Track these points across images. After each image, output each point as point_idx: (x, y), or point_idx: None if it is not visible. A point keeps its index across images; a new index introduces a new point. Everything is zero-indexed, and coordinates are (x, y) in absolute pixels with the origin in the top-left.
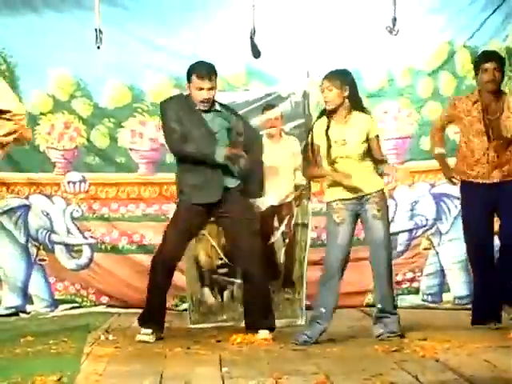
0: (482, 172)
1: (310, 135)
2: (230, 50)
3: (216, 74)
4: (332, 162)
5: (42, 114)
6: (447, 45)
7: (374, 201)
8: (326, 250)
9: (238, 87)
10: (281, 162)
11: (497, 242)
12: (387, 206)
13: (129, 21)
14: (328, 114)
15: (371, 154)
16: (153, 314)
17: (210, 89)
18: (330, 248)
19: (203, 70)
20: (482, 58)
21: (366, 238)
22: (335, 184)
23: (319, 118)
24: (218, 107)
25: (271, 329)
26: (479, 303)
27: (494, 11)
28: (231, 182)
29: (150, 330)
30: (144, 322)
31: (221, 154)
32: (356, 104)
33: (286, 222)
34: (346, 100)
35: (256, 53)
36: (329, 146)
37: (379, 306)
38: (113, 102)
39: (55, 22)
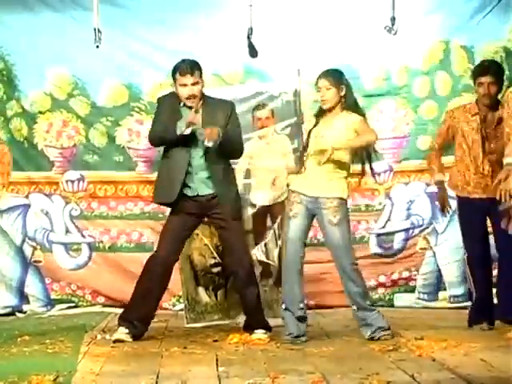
0: (478, 186)
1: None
2: (227, 50)
3: (200, 70)
4: (307, 156)
5: (40, 112)
6: (443, 44)
7: (330, 206)
8: (283, 245)
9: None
10: (272, 162)
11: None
12: (347, 214)
13: (127, 20)
14: (320, 112)
15: (346, 162)
16: (132, 313)
17: (194, 84)
18: (284, 242)
19: (185, 67)
20: (478, 71)
21: (325, 242)
22: (301, 176)
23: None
24: (206, 103)
25: (268, 328)
26: (477, 307)
27: (491, 11)
28: (212, 189)
29: (126, 330)
30: (122, 319)
31: (181, 125)
32: (350, 104)
33: (278, 221)
34: (342, 99)
35: (253, 52)
36: (307, 141)
37: (353, 307)
38: (110, 100)
39: (53, 21)
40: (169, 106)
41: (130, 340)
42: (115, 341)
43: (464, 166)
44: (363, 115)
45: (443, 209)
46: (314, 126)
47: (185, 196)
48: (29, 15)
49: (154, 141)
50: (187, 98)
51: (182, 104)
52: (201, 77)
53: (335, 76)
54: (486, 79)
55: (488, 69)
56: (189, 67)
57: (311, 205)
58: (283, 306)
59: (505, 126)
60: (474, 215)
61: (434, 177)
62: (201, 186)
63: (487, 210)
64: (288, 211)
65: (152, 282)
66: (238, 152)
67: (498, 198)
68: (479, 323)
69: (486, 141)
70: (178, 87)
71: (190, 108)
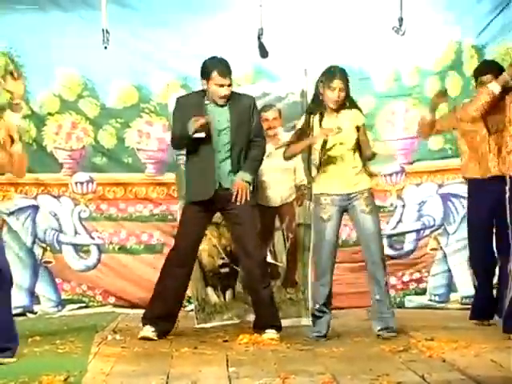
0: (488, 166)
1: (306, 121)
2: (238, 51)
3: (232, 73)
4: (328, 150)
5: (49, 114)
6: (455, 44)
7: (362, 197)
8: (315, 248)
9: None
10: (280, 163)
11: None
12: (375, 203)
13: (136, 21)
14: (317, 104)
15: (360, 154)
16: (154, 311)
17: (229, 85)
18: (320, 246)
19: (225, 68)
20: (480, 70)
21: (357, 233)
22: (325, 176)
23: (311, 107)
24: (228, 103)
25: (278, 328)
26: (479, 301)
27: (502, 11)
28: (229, 182)
29: (152, 328)
30: (145, 318)
31: (190, 125)
32: (351, 101)
33: (287, 222)
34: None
35: (263, 53)
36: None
37: (376, 296)
38: (120, 102)
39: (62, 21)
40: (192, 105)
41: (156, 338)
42: (142, 338)
43: (473, 155)
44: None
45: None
46: (321, 119)
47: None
48: (38, 15)
49: (174, 142)
50: (221, 98)
51: (208, 102)
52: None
53: (346, 76)
54: (487, 78)
55: (490, 68)
56: (228, 70)
57: (342, 202)
58: (316, 306)
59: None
60: (482, 202)
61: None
62: (223, 178)
63: (495, 202)
64: (320, 214)
65: (170, 280)
66: (263, 150)
67: None
68: (480, 320)
69: (489, 124)
70: (214, 86)
71: (218, 105)
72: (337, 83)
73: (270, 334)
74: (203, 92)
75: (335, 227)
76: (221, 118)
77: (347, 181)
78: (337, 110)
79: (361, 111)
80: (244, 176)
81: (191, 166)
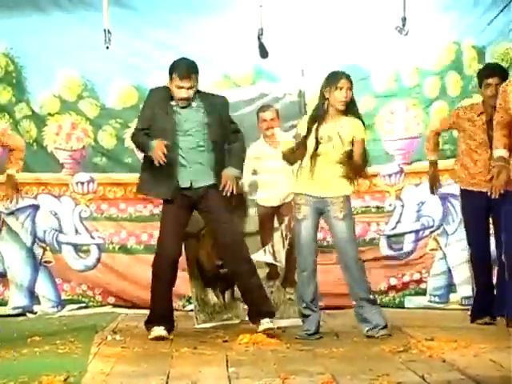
0: (483, 181)
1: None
2: (237, 51)
3: (197, 72)
4: (315, 156)
5: (49, 114)
6: (455, 45)
7: (337, 202)
8: (295, 247)
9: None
10: (279, 163)
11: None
12: (350, 209)
13: (136, 21)
14: (320, 112)
15: (350, 160)
16: (157, 313)
17: (190, 88)
18: (297, 245)
19: (183, 70)
20: (484, 73)
21: (332, 238)
22: (304, 177)
23: (313, 114)
24: (196, 104)
25: (271, 314)
26: (479, 302)
27: (502, 11)
28: (206, 180)
29: (162, 327)
30: (151, 322)
31: (151, 147)
32: (355, 109)
33: (286, 222)
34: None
35: (264, 53)
36: (317, 141)
37: (353, 302)
38: (120, 102)
39: (63, 22)
40: (159, 100)
41: (169, 336)
42: (154, 338)
43: (468, 161)
44: (360, 117)
45: (432, 188)
46: (319, 124)
47: (179, 189)
48: (39, 16)
49: (133, 139)
50: (179, 99)
51: (174, 102)
52: (197, 79)
53: (351, 78)
54: (493, 80)
55: (496, 70)
56: (188, 72)
57: (318, 204)
58: (303, 305)
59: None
60: (477, 208)
61: (428, 155)
62: (194, 179)
63: (489, 204)
64: (296, 214)
65: (164, 282)
66: (243, 141)
67: (489, 193)
68: (481, 318)
69: (490, 140)
70: (174, 88)
71: (182, 107)
72: (343, 82)
73: (265, 323)
74: (168, 90)
75: (312, 227)
76: (188, 118)
77: (325, 185)
78: (338, 116)
79: (363, 123)
80: (232, 171)
81: (149, 165)
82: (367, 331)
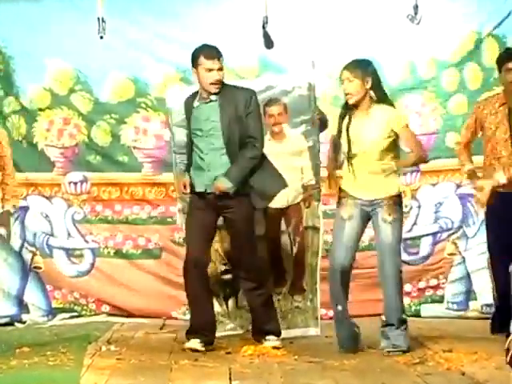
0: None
1: (338, 127)
2: (242, 42)
3: (222, 56)
4: (350, 158)
5: (39, 109)
6: (473, 34)
7: (385, 204)
8: (332, 246)
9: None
10: (286, 161)
11: None
12: (401, 212)
13: (133, 10)
14: (349, 107)
15: (394, 152)
16: (195, 323)
17: (220, 69)
18: (335, 243)
19: (212, 51)
20: (504, 57)
21: (375, 243)
22: (349, 180)
23: (342, 112)
24: (221, 96)
25: (277, 334)
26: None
27: None
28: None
29: (198, 340)
30: (189, 333)
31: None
32: (380, 96)
33: (293, 225)
34: (370, 92)
35: (269, 43)
36: (349, 142)
37: (383, 317)
38: (115, 96)
39: (53, 9)
40: (187, 111)
41: (203, 349)
42: (188, 349)
43: (493, 159)
44: (393, 105)
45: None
46: (348, 122)
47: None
48: (27, 2)
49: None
50: (212, 84)
51: (196, 104)
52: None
53: (359, 67)
54: None
55: None
56: (215, 51)
57: (367, 207)
58: (339, 308)
59: None
60: (501, 210)
61: (463, 169)
62: (209, 184)
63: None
64: (341, 213)
65: (196, 287)
66: (258, 149)
67: None
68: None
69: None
70: (203, 72)
71: (207, 103)
72: (343, 74)
73: (272, 341)
74: (196, 93)
75: (355, 228)
76: (209, 116)
77: (371, 187)
78: (366, 108)
79: (394, 107)
80: (224, 183)
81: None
82: (385, 349)
